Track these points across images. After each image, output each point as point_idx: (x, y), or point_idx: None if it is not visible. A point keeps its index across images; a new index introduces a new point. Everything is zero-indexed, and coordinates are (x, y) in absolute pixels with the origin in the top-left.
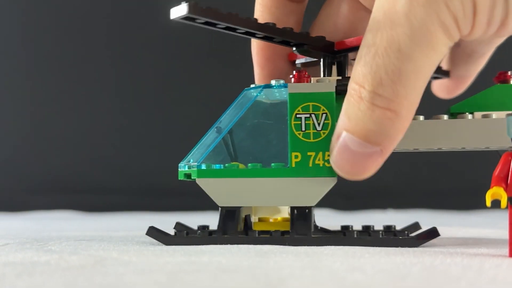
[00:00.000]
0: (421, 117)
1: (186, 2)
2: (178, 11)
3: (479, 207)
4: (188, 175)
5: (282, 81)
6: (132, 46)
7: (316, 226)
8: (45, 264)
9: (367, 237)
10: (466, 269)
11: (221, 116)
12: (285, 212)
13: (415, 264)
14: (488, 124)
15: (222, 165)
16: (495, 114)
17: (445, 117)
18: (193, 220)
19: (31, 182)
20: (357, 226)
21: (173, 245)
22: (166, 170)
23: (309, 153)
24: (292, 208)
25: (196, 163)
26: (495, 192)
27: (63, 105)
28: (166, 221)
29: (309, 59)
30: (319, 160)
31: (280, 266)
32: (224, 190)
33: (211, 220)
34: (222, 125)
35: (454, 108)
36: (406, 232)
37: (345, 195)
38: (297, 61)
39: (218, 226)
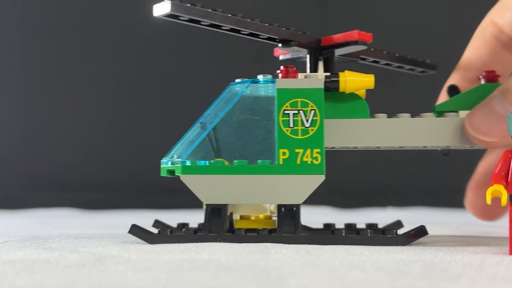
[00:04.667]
0: (384, 115)
1: (169, 0)
2: (161, 9)
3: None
4: (171, 171)
5: (269, 76)
6: (129, 44)
7: (302, 225)
8: (45, 262)
9: (355, 235)
10: (466, 266)
11: (206, 111)
12: (267, 210)
13: (415, 262)
14: (447, 123)
15: (207, 161)
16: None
17: (407, 116)
18: (193, 218)
19: (31, 180)
20: (360, 225)
21: (157, 243)
22: None
23: (296, 150)
24: (279, 206)
25: (180, 159)
26: (495, 189)
27: (62, 103)
28: (166, 219)
29: (294, 55)
30: (307, 157)
31: (280, 264)
32: (210, 187)
33: None
34: (206, 121)
35: (440, 107)
36: (394, 230)
37: (345, 193)
38: (281, 57)
39: (204, 224)
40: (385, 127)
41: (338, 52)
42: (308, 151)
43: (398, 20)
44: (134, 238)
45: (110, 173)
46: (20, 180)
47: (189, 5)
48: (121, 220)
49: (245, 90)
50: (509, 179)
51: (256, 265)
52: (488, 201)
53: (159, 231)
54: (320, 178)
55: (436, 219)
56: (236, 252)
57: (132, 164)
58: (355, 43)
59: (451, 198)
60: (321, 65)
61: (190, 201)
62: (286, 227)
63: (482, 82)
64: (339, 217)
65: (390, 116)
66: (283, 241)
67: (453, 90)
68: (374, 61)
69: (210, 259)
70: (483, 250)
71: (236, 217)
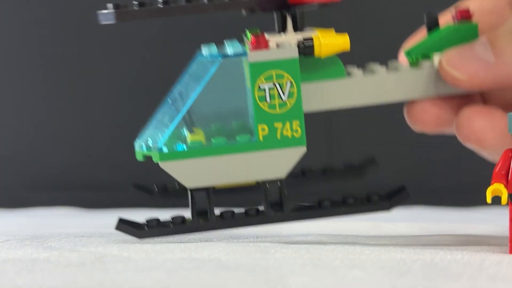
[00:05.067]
0: (360, 72)
1: (113, 8)
2: (106, 17)
3: (479, 204)
4: (148, 156)
5: (238, 46)
6: (130, 42)
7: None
8: (45, 261)
9: (341, 207)
10: (467, 266)
11: (174, 86)
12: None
13: (415, 261)
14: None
15: (184, 145)
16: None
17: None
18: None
19: (30, 179)
20: (358, 223)
21: (146, 238)
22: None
23: (276, 125)
24: (264, 183)
25: (157, 146)
26: (496, 188)
27: (62, 102)
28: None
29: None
30: (286, 130)
31: (280, 263)
32: (191, 172)
33: None
34: (176, 98)
35: (413, 51)
36: (378, 195)
37: (345, 193)
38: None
39: (192, 211)
40: (361, 86)
41: (307, 8)
42: (288, 124)
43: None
44: (135, 238)
45: (110, 172)
46: (19, 179)
47: (136, 8)
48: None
49: (216, 69)
50: (509, 178)
51: (256, 265)
52: (488, 200)
53: (146, 225)
54: (302, 150)
55: (436, 218)
56: (236, 252)
57: (133, 163)
58: (324, 5)
59: (451, 197)
60: (290, 24)
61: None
62: (273, 204)
63: (455, 21)
64: (340, 216)
65: (364, 69)
66: (271, 221)
67: (431, 21)
68: None
69: (210, 258)
70: (483, 249)
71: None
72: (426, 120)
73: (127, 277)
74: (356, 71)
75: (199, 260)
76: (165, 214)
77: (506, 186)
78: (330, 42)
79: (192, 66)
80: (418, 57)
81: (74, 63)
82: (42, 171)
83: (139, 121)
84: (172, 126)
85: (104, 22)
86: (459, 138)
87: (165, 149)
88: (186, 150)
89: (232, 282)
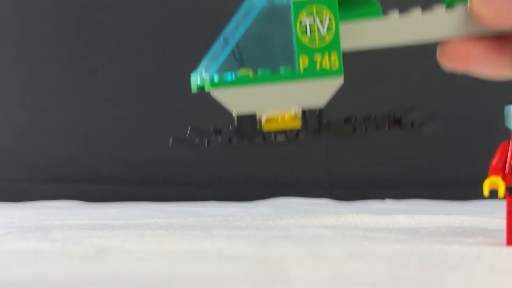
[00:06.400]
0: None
1: None
2: None
3: (477, 197)
4: (201, 87)
5: None
6: (130, 36)
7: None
8: (48, 252)
9: (376, 131)
10: (464, 257)
11: (227, 26)
12: (291, 111)
13: (413, 253)
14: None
15: (233, 74)
16: None
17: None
18: (193, 210)
19: (33, 172)
20: (357, 216)
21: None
22: (168, 160)
23: (315, 57)
24: (303, 111)
25: (208, 75)
26: (493, 181)
27: (64, 94)
28: (168, 211)
29: None
30: (325, 62)
31: (280, 254)
32: (238, 98)
33: (212, 211)
34: (228, 35)
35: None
36: (412, 121)
37: (345, 185)
38: None
39: (237, 132)
40: (397, 25)
41: None
42: (326, 56)
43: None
44: (137, 229)
45: (112, 164)
46: (22, 172)
47: None
48: (123, 211)
49: (264, 1)
50: (506, 171)
51: (256, 256)
52: (486, 193)
53: (197, 141)
54: (339, 80)
55: (434, 211)
56: (236, 243)
57: (135, 156)
58: None
59: (450, 190)
60: None
61: (192, 192)
62: (311, 126)
63: None
64: (339, 209)
65: (402, 12)
66: (311, 140)
67: None
68: None
69: (211, 249)
70: (480, 241)
71: (263, 119)
72: (457, 57)
73: (130, 268)
74: (392, 12)
75: (201, 252)
76: (167, 207)
77: (503, 179)
78: None
79: (242, 7)
80: (454, 1)
81: (75, 57)
82: (45, 164)
83: (140, 114)
84: (222, 57)
85: None
86: (446, 64)
87: (215, 78)
88: (234, 79)
89: (232, 273)
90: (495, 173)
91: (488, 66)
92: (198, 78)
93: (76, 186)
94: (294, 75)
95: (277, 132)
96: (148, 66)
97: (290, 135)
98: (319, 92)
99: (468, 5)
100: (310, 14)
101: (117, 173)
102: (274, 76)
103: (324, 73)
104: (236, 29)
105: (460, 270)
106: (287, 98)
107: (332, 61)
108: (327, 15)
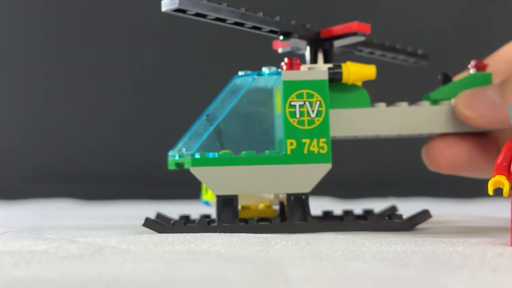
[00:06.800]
0: (383, 104)
1: None
2: (169, 3)
3: (481, 196)
4: (179, 164)
5: (274, 68)
6: (128, 37)
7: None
8: (43, 252)
9: (365, 221)
10: (468, 258)
11: (211, 103)
12: (266, 200)
13: (416, 253)
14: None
15: (216, 153)
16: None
17: (405, 104)
18: (192, 209)
19: (29, 171)
20: (357, 211)
21: (171, 233)
22: (164, 159)
23: (303, 140)
24: (289, 195)
25: (189, 152)
26: (498, 180)
27: (61, 94)
28: (164, 210)
29: (294, 49)
30: (313, 146)
31: (280, 255)
32: (220, 179)
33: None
34: (212, 113)
35: (434, 95)
36: (401, 215)
37: (346, 184)
38: (281, 50)
39: (217, 215)
40: (384, 116)
41: (337, 43)
42: (315, 141)
43: (399, 10)
44: (133, 229)
45: (109, 164)
46: (19, 171)
47: None
48: (120, 211)
49: (251, 82)
50: (511, 170)
51: (256, 256)
52: (490, 192)
53: (173, 223)
54: (327, 167)
55: (437, 210)
56: (236, 244)
57: (131, 156)
58: (354, 34)
59: (452, 189)
60: (320, 57)
61: (188, 192)
62: (297, 215)
63: (472, 71)
64: (341, 208)
65: (388, 105)
66: (296, 230)
67: (445, 78)
68: (370, 52)
69: (210, 250)
70: (484, 241)
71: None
72: (441, 161)
73: (126, 269)
74: (380, 104)
75: (199, 252)
76: (163, 206)
77: (508, 178)
78: (357, 70)
79: (228, 85)
80: (438, 99)
81: (73, 57)
82: (41, 164)
83: (138, 114)
84: (205, 135)
85: (165, 8)
86: (431, 166)
87: (197, 155)
88: (216, 157)
89: (232, 274)
90: (500, 172)
91: (471, 171)
92: (177, 155)
93: (72, 185)
94: (281, 158)
95: (259, 219)
96: (146, 67)
97: (274, 222)
98: (306, 177)
99: (452, 105)
100: (300, 97)
101: (113, 173)
102: (259, 158)
103: (312, 158)
104: (222, 108)
105: (464, 271)
106: (272, 182)
107: (321, 146)
108: (317, 100)
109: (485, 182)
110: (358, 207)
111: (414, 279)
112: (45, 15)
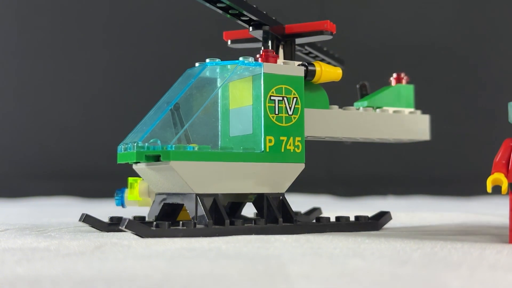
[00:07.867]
0: (336, 107)
1: None
2: None
3: (479, 193)
4: (153, 157)
5: (251, 58)
6: (128, 33)
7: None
8: (44, 250)
9: (337, 223)
10: (467, 255)
11: (167, 93)
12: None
13: (415, 250)
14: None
15: (193, 147)
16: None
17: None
18: None
19: (31, 168)
20: (355, 213)
21: (156, 237)
22: None
23: (281, 138)
24: (265, 195)
25: (167, 144)
26: (496, 178)
27: (61, 91)
28: None
29: (250, 41)
30: (290, 145)
31: (280, 252)
32: (200, 175)
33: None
34: (178, 103)
35: (358, 104)
36: (367, 216)
37: (346, 182)
38: (231, 44)
39: (200, 215)
40: (340, 119)
41: (300, 40)
42: (291, 139)
43: (396, 8)
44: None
45: (110, 161)
46: (20, 169)
47: None
48: (121, 208)
49: (201, 71)
50: (509, 168)
51: (256, 253)
52: (489, 190)
53: (155, 224)
54: (301, 167)
55: (436, 208)
56: (236, 240)
57: None
58: (321, 33)
59: (451, 187)
60: (281, 53)
61: None
62: (276, 216)
63: (393, 83)
64: (340, 206)
65: (341, 107)
66: (273, 232)
67: (363, 88)
68: (308, 53)
69: (210, 247)
70: (483, 238)
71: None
72: None
73: (127, 266)
74: (333, 106)
75: (199, 249)
76: None
77: (506, 176)
78: (328, 70)
79: (181, 77)
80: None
81: (73, 54)
82: (42, 161)
83: (137, 112)
84: (186, 126)
85: None
86: None
87: (173, 148)
88: (198, 152)
89: (232, 270)
90: (498, 169)
91: None
92: (131, 146)
93: (74, 183)
94: (260, 156)
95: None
96: (146, 63)
97: (259, 223)
98: (282, 177)
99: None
100: (279, 92)
101: (114, 170)
102: (241, 154)
103: (288, 157)
104: (180, 98)
105: (463, 268)
106: (251, 181)
107: (296, 145)
108: (294, 96)
109: (483, 180)
110: (358, 205)
111: (413, 276)
112: (44, 11)
